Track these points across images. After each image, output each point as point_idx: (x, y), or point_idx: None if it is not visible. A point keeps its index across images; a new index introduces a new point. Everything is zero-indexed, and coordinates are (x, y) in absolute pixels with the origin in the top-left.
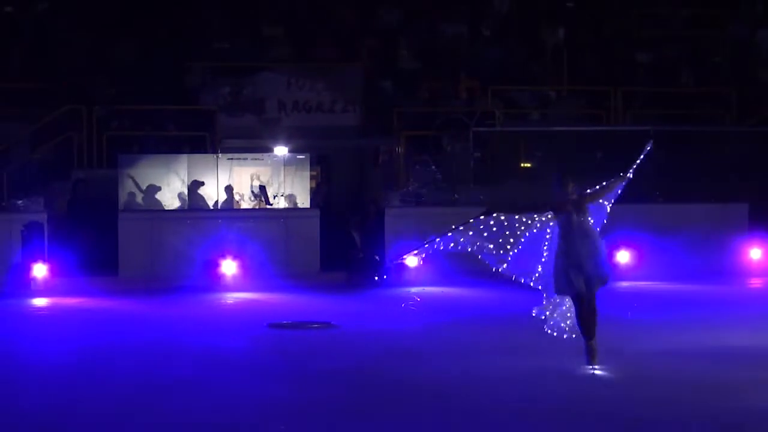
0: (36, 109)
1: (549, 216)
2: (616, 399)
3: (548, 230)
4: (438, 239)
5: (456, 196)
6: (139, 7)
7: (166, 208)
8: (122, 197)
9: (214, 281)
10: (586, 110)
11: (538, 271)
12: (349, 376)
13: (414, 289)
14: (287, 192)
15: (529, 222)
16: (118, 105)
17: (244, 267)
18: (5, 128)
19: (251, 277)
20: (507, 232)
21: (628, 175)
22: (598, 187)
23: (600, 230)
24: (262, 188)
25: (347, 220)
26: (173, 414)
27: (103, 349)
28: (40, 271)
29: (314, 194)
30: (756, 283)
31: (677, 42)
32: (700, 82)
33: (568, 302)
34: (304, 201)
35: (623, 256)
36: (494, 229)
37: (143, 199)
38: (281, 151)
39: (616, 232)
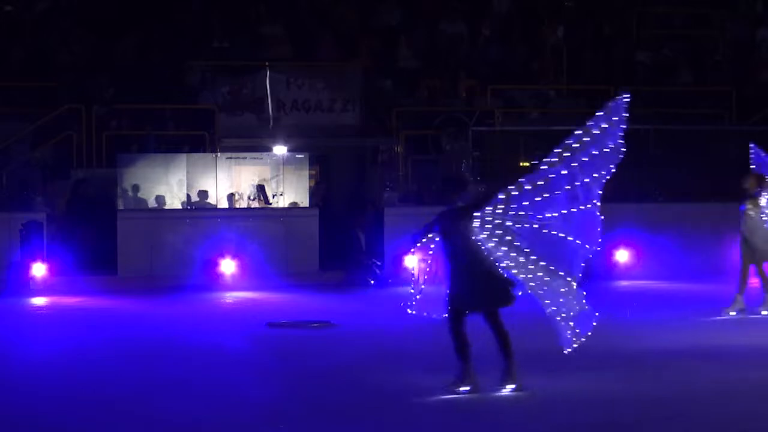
0: (36, 108)
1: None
2: (619, 399)
3: None
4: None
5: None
6: (139, 7)
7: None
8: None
9: (213, 280)
10: (586, 109)
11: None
12: (348, 375)
13: (413, 289)
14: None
15: None
16: (118, 104)
17: (243, 266)
18: (5, 127)
19: (250, 276)
20: None
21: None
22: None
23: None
24: (261, 187)
25: (351, 219)
26: (172, 413)
27: (101, 349)
28: (39, 270)
29: (313, 193)
30: (755, 282)
31: (677, 41)
32: (700, 82)
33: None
34: (303, 200)
35: (622, 255)
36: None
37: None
38: (280, 150)
39: (615, 231)
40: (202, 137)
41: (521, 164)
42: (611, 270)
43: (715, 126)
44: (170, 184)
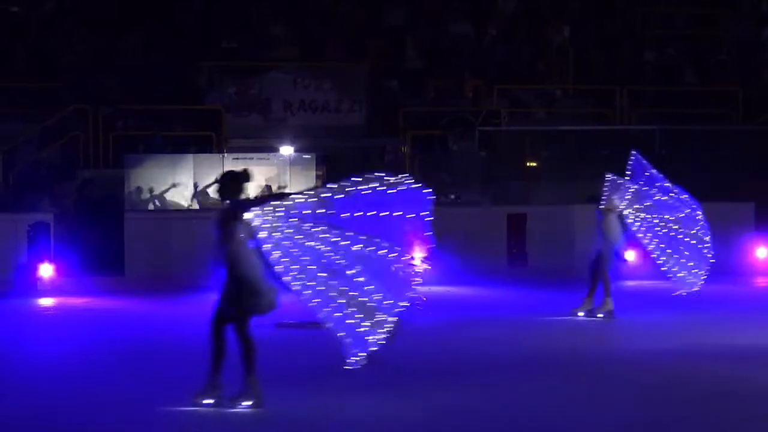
0: (42, 109)
1: None
2: (626, 399)
3: None
4: None
5: (458, 195)
6: (145, 7)
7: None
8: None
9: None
10: (592, 109)
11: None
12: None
13: (420, 289)
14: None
15: None
16: (124, 105)
17: None
18: (11, 128)
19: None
20: None
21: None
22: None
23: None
24: (268, 188)
25: None
26: (179, 413)
27: (109, 349)
28: (46, 270)
29: None
30: (762, 281)
31: (683, 41)
32: (706, 81)
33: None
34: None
35: (629, 255)
36: None
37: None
38: (287, 150)
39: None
40: (209, 138)
41: (528, 164)
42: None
43: (721, 126)
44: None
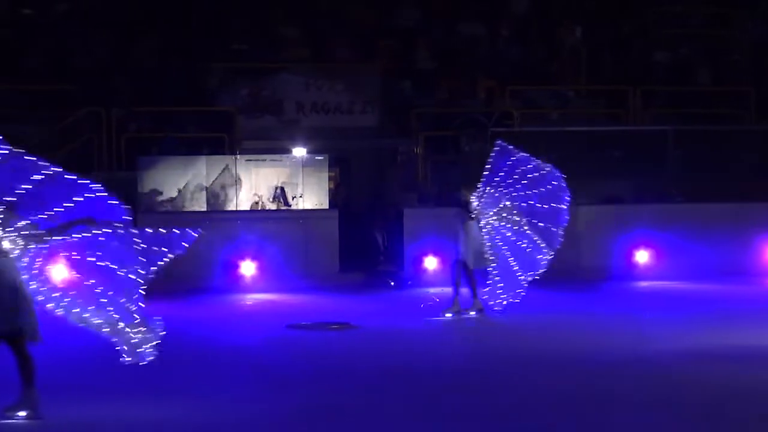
0: (55, 111)
1: None
2: (633, 399)
3: None
4: None
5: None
6: (157, 9)
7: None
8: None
9: (233, 282)
10: (605, 110)
11: None
12: (369, 377)
13: (433, 290)
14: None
15: None
16: (137, 107)
17: (263, 268)
18: (24, 130)
19: (270, 278)
20: None
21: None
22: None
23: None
24: (282, 189)
25: (372, 221)
26: (188, 413)
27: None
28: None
29: (333, 195)
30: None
31: (696, 41)
32: (719, 81)
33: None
34: (323, 202)
35: (642, 256)
36: None
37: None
38: (300, 152)
39: (634, 231)
40: (222, 139)
41: None
42: (630, 270)
43: (734, 126)
44: (188, 186)
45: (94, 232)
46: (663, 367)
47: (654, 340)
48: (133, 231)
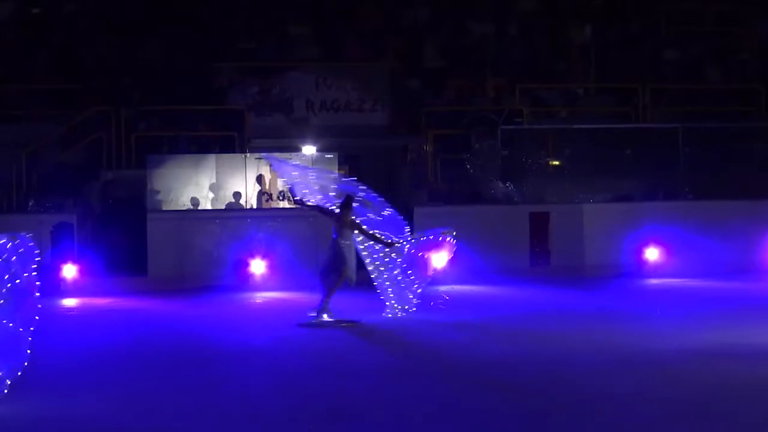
0: (65, 110)
1: None
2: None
3: None
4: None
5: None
6: (167, 9)
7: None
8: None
9: (243, 281)
10: (614, 107)
11: None
12: (377, 374)
13: (443, 288)
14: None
15: None
16: (147, 106)
17: (273, 266)
18: (34, 129)
19: (280, 276)
20: None
21: None
22: None
23: None
24: (291, 187)
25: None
26: (199, 412)
27: (132, 349)
28: (70, 271)
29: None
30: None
31: (705, 39)
32: (729, 79)
33: None
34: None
35: (652, 253)
36: None
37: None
38: (310, 150)
39: (644, 229)
40: (232, 138)
41: (550, 162)
42: (641, 268)
43: (744, 124)
44: (200, 185)
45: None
46: (669, 366)
47: (662, 338)
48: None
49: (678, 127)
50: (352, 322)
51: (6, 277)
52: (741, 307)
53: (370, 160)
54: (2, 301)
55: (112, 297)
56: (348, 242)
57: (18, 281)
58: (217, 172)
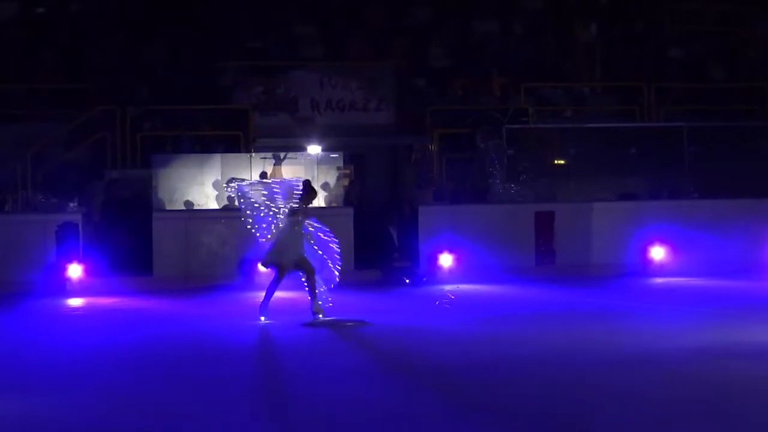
0: (69, 109)
1: None
2: (644, 397)
3: None
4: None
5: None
6: (171, 8)
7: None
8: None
9: (249, 280)
10: (619, 106)
11: None
12: (384, 375)
13: (448, 287)
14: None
15: None
16: (152, 105)
17: None
18: (39, 129)
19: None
20: None
21: None
22: None
23: None
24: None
25: (384, 216)
26: (205, 412)
27: (137, 349)
28: (74, 271)
29: (348, 192)
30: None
31: (710, 37)
32: (734, 78)
33: None
34: (337, 200)
35: (657, 252)
36: None
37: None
38: (315, 149)
39: (650, 228)
40: (237, 137)
41: (556, 162)
42: (646, 267)
43: (749, 122)
44: (205, 185)
45: None
46: (673, 365)
47: (666, 337)
48: None
49: (683, 125)
50: (358, 321)
51: None
52: (746, 305)
53: (375, 160)
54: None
55: (118, 297)
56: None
57: None
58: (222, 172)
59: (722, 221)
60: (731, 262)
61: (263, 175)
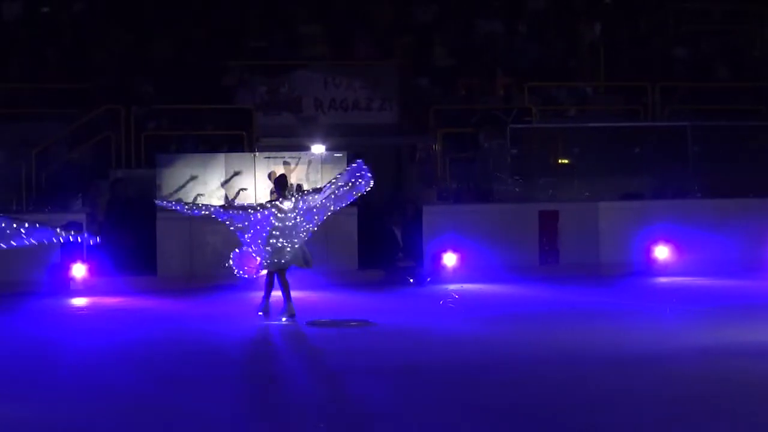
0: (74, 109)
1: None
2: (646, 396)
3: None
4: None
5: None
6: (176, 7)
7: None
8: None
9: (252, 280)
10: (624, 106)
11: None
12: (388, 375)
13: (452, 287)
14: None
15: None
16: (156, 105)
17: None
18: (43, 128)
19: (289, 275)
20: None
21: None
22: None
23: None
24: (299, 187)
25: (388, 215)
26: (209, 412)
27: (141, 349)
28: (79, 270)
29: None
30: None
31: (715, 37)
32: (738, 77)
33: None
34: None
35: (661, 251)
36: None
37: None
38: (318, 149)
39: (654, 227)
40: (241, 137)
41: (559, 161)
42: (650, 266)
43: (754, 122)
44: (208, 184)
45: None
46: (676, 364)
47: (669, 336)
48: None
49: (687, 125)
50: (361, 321)
51: None
52: (749, 305)
53: (379, 159)
54: None
55: (122, 296)
56: (289, 223)
57: None
58: (226, 172)
59: (726, 221)
60: (735, 261)
61: (270, 175)
